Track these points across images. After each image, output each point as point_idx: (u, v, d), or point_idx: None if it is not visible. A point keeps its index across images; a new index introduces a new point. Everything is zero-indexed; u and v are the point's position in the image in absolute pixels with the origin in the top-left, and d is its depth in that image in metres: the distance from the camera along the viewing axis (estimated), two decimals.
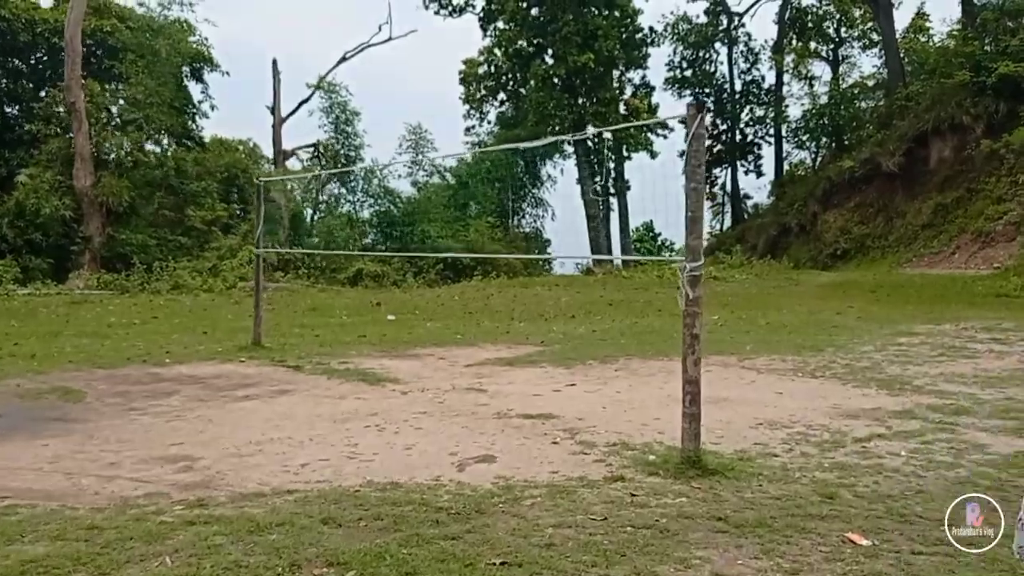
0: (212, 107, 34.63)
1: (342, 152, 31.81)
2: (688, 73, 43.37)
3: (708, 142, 44.79)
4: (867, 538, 3.78)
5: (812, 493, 4.52)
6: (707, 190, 45.21)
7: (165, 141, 33.30)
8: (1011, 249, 22.42)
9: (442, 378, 8.73)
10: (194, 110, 34.35)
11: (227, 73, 34.51)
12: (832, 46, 42.00)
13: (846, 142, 37.30)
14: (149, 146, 30.81)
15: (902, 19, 38.32)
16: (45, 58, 32.24)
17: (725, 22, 43.32)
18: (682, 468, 4.95)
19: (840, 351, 10.27)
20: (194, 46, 33.38)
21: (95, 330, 13.40)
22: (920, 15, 38.39)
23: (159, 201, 28.97)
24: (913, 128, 29.52)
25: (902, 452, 5.38)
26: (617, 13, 37.62)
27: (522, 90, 40.15)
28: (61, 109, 28.82)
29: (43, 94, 31.33)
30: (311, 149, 34.67)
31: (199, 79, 34.27)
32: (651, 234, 49.23)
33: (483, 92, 42.70)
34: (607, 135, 37.60)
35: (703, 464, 4.97)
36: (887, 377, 8.32)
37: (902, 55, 35.22)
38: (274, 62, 33.65)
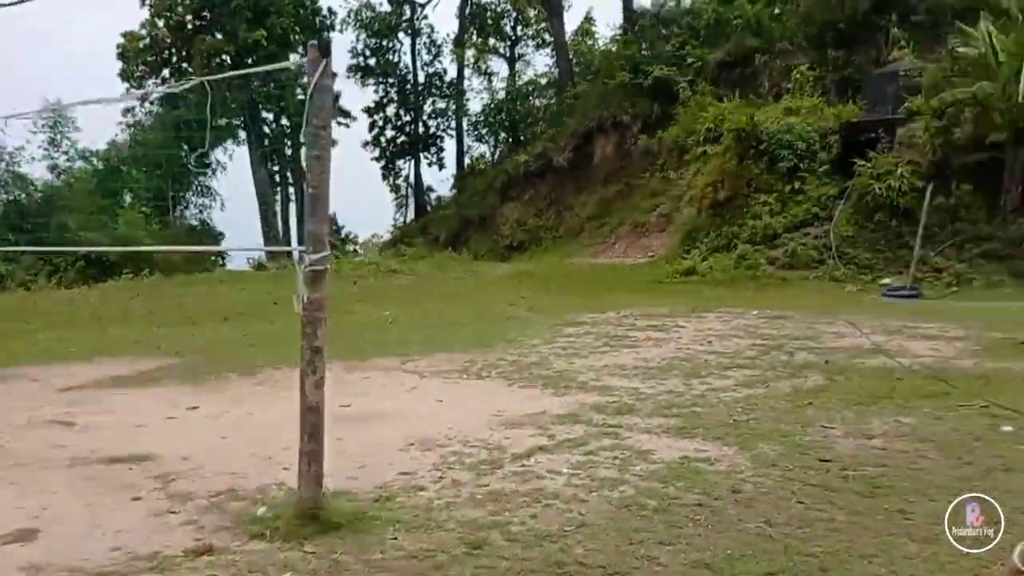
0: None
1: None
2: (372, 62, 42.56)
3: (391, 133, 44.57)
4: None
5: (458, 542, 3.59)
6: (391, 181, 44.94)
7: None
8: (663, 239, 24.36)
9: (19, 409, 6.66)
10: None
11: None
12: (509, 43, 43.53)
13: (522, 137, 38.79)
14: None
15: (572, 22, 40.73)
16: None
17: (408, 12, 43.01)
18: (297, 525, 3.75)
19: (510, 346, 9.76)
20: None
21: None
22: (587, 19, 40.99)
23: None
24: (581, 125, 31.28)
25: (564, 469, 4.69)
26: None
27: (188, 67, 36.34)
28: None
29: None
30: None
31: None
32: (335, 227, 47.58)
33: (143, 69, 38.10)
34: (284, 120, 35.43)
35: (325, 517, 3.81)
36: (553, 373, 7.84)
37: (571, 56, 37.36)
38: None
